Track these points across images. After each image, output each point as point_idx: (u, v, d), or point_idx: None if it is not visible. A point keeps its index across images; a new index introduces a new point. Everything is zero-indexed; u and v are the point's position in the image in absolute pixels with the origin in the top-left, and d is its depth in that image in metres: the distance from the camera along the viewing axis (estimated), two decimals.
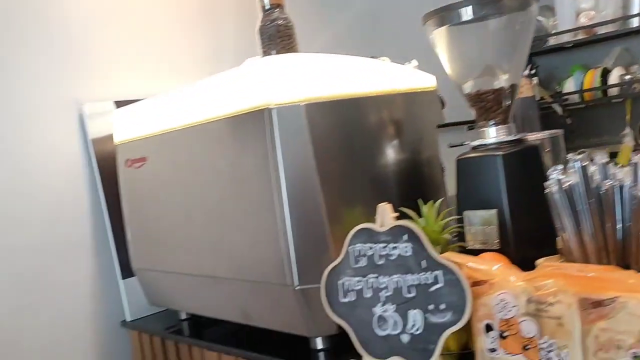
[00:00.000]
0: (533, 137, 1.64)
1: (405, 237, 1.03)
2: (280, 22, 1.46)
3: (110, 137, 1.77)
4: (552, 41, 3.20)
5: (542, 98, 3.11)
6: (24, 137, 1.69)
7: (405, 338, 1.04)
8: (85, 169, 1.79)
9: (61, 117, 1.76)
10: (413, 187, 1.35)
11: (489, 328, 0.97)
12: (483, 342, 0.98)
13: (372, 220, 1.08)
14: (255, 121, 1.22)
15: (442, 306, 0.99)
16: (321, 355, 1.28)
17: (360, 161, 1.27)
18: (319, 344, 1.29)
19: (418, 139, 1.39)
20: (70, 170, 1.77)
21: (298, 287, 1.21)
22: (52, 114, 1.74)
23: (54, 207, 1.73)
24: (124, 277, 1.80)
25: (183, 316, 1.71)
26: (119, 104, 1.80)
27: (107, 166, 1.79)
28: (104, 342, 1.81)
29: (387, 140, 1.33)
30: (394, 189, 1.32)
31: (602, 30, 3.03)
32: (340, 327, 1.21)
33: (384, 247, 1.06)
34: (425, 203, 1.23)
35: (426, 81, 1.55)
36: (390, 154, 1.33)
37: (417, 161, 1.39)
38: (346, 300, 1.12)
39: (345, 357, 1.22)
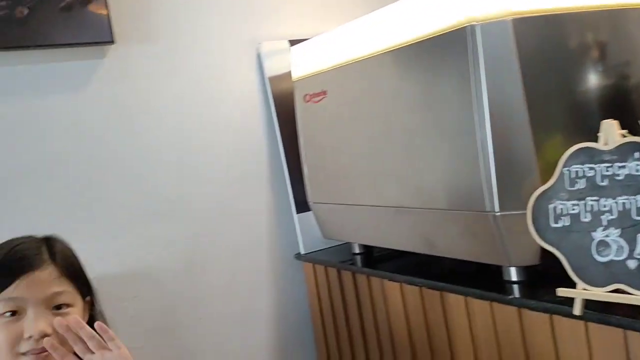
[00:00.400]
0: None
1: (637, 154, 0.94)
2: None
3: (285, 75, 1.82)
4: None
5: None
6: (211, 74, 1.78)
7: (632, 264, 0.96)
8: (263, 106, 1.86)
9: (241, 56, 1.83)
10: (626, 109, 1.24)
11: None
12: None
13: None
14: (455, 40, 1.17)
15: None
16: (515, 287, 1.24)
17: (568, 82, 1.19)
18: (514, 275, 1.25)
19: (630, 59, 1.27)
20: (249, 108, 1.85)
21: (499, 214, 1.17)
22: (233, 53, 1.82)
23: (235, 142, 1.82)
24: (298, 212, 1.86)
25: (356, 250, 1.74)
26: (293, 42, 1.83)
27: (282, 104, 1.84)
28: (279, 272, 1.89)
29: (596, 59, 1.23)
30: (606, 111, 1.22)
31: None
32: (541, 257, 1.16)
33: (609, 167, 0.98)
34: None
35: None
36: (599, 74, 1.23)
37: (630, 83, 1.27)
38: (558, 225, 1.06)
39: (542, 289, 1.18)
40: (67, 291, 0.94)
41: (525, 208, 1.11)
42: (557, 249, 1.06)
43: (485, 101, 1.14)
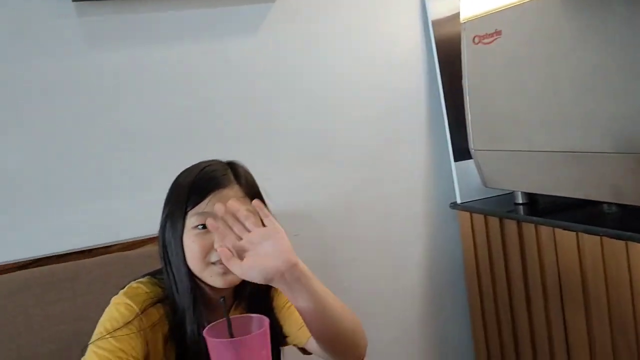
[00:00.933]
0: None
1: None
2: None
3: (449, 19, 1.77)
4: None
5: None
6: (372, 17, 1.78)
7: None
8: (424, 52, 1.83)
9: (403, 1, 1.80)
10: None
11: None
12: None
13: None
14: None
15: None
16: None
17: None
18: None
19: None
20: (409, 52, 1.82)
21: None
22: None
23: (393, 88, 1.81)
24: (456, 160, 1.83)
25: (519, 199, 1.69)
26: None
27: (445, 48, 1.80)
28: (433, 220, 1.88)
29: None
30: None
31: None
32: None
33: None
34: None
35: None
36: None
37: None
38: None
39: None
40: (250, 210, 0.97)
41: None
42: None
43: None
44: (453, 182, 1.84)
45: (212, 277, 0.98)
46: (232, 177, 1.00)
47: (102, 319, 1.01)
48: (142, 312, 0.99)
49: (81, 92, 1.48)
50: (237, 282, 1.00)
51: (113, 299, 1.03)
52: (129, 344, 0.96)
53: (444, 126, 1.83)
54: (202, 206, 0.97)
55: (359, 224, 1.80)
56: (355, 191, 1.79)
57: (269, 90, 1.68)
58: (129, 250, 1.48)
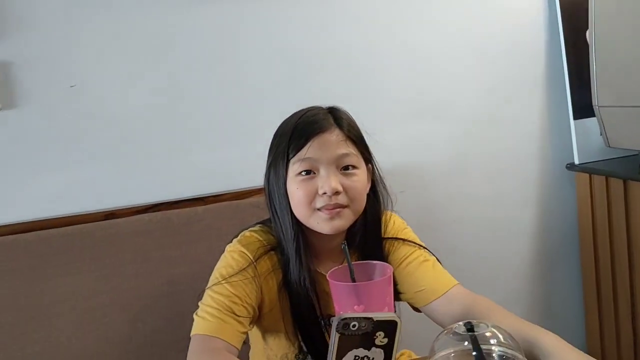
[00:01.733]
0: None
1: None
2: None
3: None
4: None
5: None
6: None
7: None
8: (545, 1, 1.71)
9: None
10: None
11: None
12: None
13: None
14: None
15: None
16: None
17: None
18: None
19: None
20: (529, 3, 1.71)
21: None
22: None
23: (511, 42, 1.72)
24: (575, 118, 1.71)
25: None
26: None
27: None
28: (547, 182, 1.79)
29: None
30: None
31: None
32: None
33: None
34: None
35: None
36: None
37: None
38: None
39: None
40: (352, 153, 0.97)
41: None
42: None
43: None
44: (571, 141, 1.73)
45: (318, 224, 0.97)
46: (332, 120, 0.98)
47: (217, 266, 1.04)
48: (255, 260, 1.00)
49: (199, 44, 1.50)
50: (344, 228, 0.98)
51: (228, 246, 1.05)
52: (243, 290, 0.98)
53: (564, 82, 1.71)
54: (304, 152, 0.95)
55: (467, 183, 1.74)
56: (464, 149, 1.72)
57: (377, 44, 1.63)
58: (240, 199, 1.51)
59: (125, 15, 1.45)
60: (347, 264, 0.86)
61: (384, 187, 1.08)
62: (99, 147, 1.46)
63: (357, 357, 0.72)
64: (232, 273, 0.99)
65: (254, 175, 1.48)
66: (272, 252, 1.03)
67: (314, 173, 0.96)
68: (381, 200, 1.07)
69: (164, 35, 1.48)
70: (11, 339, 1.34)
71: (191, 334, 0.97)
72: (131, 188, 1.48)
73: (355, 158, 0.98)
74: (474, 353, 0.69)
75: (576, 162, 1.73)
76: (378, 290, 0.82)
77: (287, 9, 1.56)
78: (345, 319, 0.69)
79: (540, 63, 1.73)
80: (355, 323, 0.69)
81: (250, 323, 1.01)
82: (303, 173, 0.96)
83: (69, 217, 1.43)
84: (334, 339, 0.70)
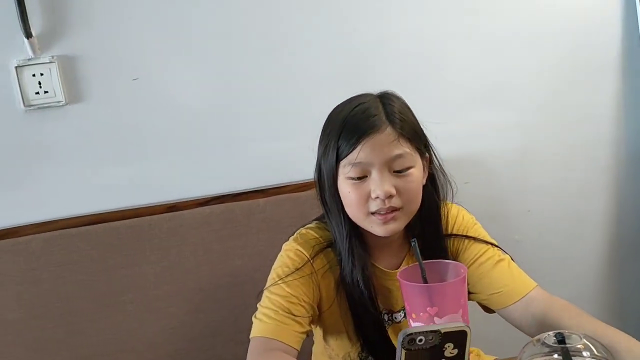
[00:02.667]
0: None
1: None
2: None
3: None
4: None
5: None
6: None
7: None
8: None
9: None
10: None
11: None
12: None
13: None
14: None
15: None
16: None
17: None
18: None
19: None
20: None
21: None
22: None
23: (583, 23, 1.62)
24: None
25: None
26: None
27: None
28: (620, 171, 1.70)
29: None
30: None
31: None
32: None
33: None
34: None
35: None
36: None
37: None
38: None
39: None
40: (406, 153, 0.92)
41: None
42: None
43: None
44: None
45: (372, 227, 0.95)
46: (384, 116, 0.92)
47: (274, 266, 1.03)
48: (312, 258, 0.99)
49: (257, 35, 1.49)
50: (399, 230, 0.96)
51: (284, 245, 1.05)
52: (300, 289, 0.97)
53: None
54: (355, 155, 0.91)
55: (534, 173, 1.66)
56: (532, 137, 1.65)
57: (440, 27, 1.57)
58: (300, 191, 1.49)
59: (185, 9, 1.44)
60: (416, 263, 0.83)
61: (444, 175, 1.03)
62: (161, 140, 1.47)
63: None
64: (288, 272, 0.98)
65: (313, 167, 1.48)
66: (329, 249, 1.01)
67: (366, 176, 0.92)
68: (441, 191, 1.03)
69: (222, 27, 1.47)
70: (88, 324, 1.39)
71: (250, 337, 0.97)
72: (193, 180, 1.49)
73: (410, 157, 0.93)
74: None
75: None
76: (452, 291, 0.78)
77: None
78: (411, 334, 0.66)
79: (615, 44, 1.63)
80: (422, 337, 0.66)
81: (311, 322, 0.99)
82: (354, 178, 0.92)
83: (133, 209, 1.45)
84: (400, 356, 0.67)
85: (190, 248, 1.44)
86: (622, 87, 1.65)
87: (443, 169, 1.02)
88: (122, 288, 1.41)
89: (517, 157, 1.64)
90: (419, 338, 0.65)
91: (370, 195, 0.91)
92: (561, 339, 0.68)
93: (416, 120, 0.98)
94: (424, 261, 0.83)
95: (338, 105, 0.99)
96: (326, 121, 0.99)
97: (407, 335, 0.65)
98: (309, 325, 0.99)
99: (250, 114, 1.50)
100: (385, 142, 0.90)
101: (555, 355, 0.66)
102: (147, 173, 1.47)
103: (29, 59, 1.40)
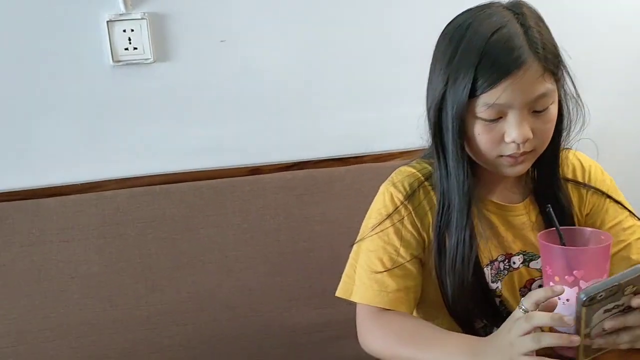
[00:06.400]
0: None
1: None
2: None
3: None
4: None
5: None
6: None
7: None
8: None
9: None
10: None
11: None
12: None
13: None
14: None
15: None
16: None
17: None
18: None
19: None
20: None
21: None
22: None
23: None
24: None
25: None
26: None
27: None
28: None
29: None
30: None
31: None
32: None
33: None
34: None
35: None
36: None
37: None
38: None
39: None
40: (549, 90, 0.81)
41: None
42: None
43: None
44: None
45: (497, 168, 0.86)
46: (527, 48, 0.79)
47: (369, 212, 0.98)
48: (407, 199, 0.91)
49: (346, 1, 1.48)
50: (525, 170, 0.87)
51: (381, 186, 0.98)
52: (395, 235, 0.90)
53: None
54: (493, 96, 0.79)
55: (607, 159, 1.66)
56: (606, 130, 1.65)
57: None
58: (380, 162, 1.50)
59: None
60: (554, 228, 0.83)
61: (578, 100, 0.88)
62: (245, 103, 1.48)
63: (606, 311, 0.70)
64: (380, 219, 0.91)
65: (395, 138, 1.48)
66: (428, 186, 0.92)
67: (501, 117, 0.82)
68: (565, 122, 0.89)
69: None
70: (168, 281, 1.40)
71: (357, 301, 0.93)
72: (276, 145, 1.49)
73: (552, 93, 0.82)
74: None
75: None
76: (598, 256, 0.79)
77: None
78: (591, 295, 0.67)
79: None
80: (602, 293, 0.67)
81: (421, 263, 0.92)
82: (488, 120, 0.82)
83: (216, 170, 1.46)
84: (580, 315, 0.68)
85: (270, 212, 1.45)
86: None
87: (578, 93, 0.89)
88: (202, 248, 1.42)
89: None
90: (599, 294, 0.67)
91: (503, 138, 0.82)
92: None
93: (553, 39, 0.85)
94: (561, 227, 0.84)
95: (462, 21, 0.85)
96: (448, 41, 0.86)
97: (588, 296, 0.66)
98: (418, 268, 0.91)
99: (335, 83, 1.50)
100: (530, 81, 0.79)
101: None
102: (231, 135, 1.47)
103: (121, 14, 1.40)
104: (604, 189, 0.96)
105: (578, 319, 0.70)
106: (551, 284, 0.80)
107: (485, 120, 0.82)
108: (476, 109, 0.81)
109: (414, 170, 0.96)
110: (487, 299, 0.92)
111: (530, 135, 0.82)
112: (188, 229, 1.42)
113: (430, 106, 0.88)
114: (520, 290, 0.96)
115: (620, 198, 0.96)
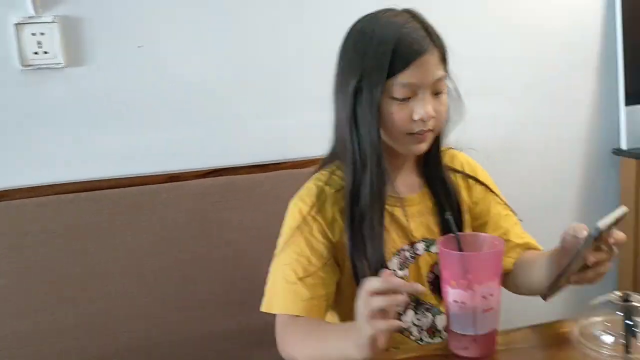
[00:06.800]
0: None
1: None
2: None
3: None
4: None
5: None
6: None
7: None
8: None
9: None
10: None
11: None
12: None
13: None
14: None
15: None
16: None
17: None
18: None
19: None
20: None
21: None
22: None
23: (564, 25, 1.73)
24: (627, 104, 1.74)
25: None
26: None
27: None
28: (592, 165, 1.82)
29: None
30: None
31: None
32: None
33: None
34: None
35: None
36: None
37: None
38: None
39: None
40: (444, 76, 0.95)
41: None
42: None
43: None
44: (621, 126, 1.75)
45: (404, 146, 0.96)
46: (429, 39, 0.93)
47: (282, 229, 1.02)
48: (314, 210, 0.97)
49: (266, 9, 1.49)
50: (427, 148, 0.97)
51: (290, 203, 1.03)
52: (306, 246, 0.96)
53: (617, 67, 1.73)
54: (406, 77, 0.91)
55: (515, 161, 1.76)
56: (513, 127, 1.74)
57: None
58: (299, 168, 1.52)
59: None
60: (452, 234, 0.87)
61: (458, 94, 1.01)
62: (163, 109, 1.46)
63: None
64: (290, 234, 0.98)
65: (314, 144, 1.50)
66: (332, 191, 1.00)
67: (409, 97, 0.92)
68: (448, 114, 1.00)
69: (229, 2, 1.47)
70: (79, 292, 1.37)
71: (276, 312, 0.97)
72: (194, 152, 1.49)
73: (445, 80, 0.96)
74: (626, 322, 0.70)
75: (623, 147, 1.75)
76: (490, 261, 0.84)
77: None
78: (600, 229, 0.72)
79: (596, 46, 1.74)
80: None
81: (337, 275, 0.99)
82: (399, 98, 0.92)
83: (132, 177, 1.44)
84: (582, 250, 0.72)
85: (187, 218, 1.43)
86: (599, 87, 1.77)
87: (457, 89, 1.01)
88: (116, 257, 1.39)
89: (501, 146, 1.73)
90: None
91: (412, 117, 0.92)
92: (626, 298, 0.74)
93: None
94: (460, 233, 0.88)
95: (365, 24, 0.96)
96: (355, 41, 0.96)
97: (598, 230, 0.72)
98: (334, 278, 0.97)
99: (254, 90, 1.51)
100: (433, 64, 0.92)
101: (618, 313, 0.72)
102: (148, 141, 1.46)
103: (30, 17, 1.35)
104: (487, 183, 1.10)
105: (578, 255, 0.73)
106: (448, 288, 0.84)
107: (399, 99, 0.92)
108: (392, 88, 0.92)
109: (319, 183, 1.02)
110: None
111: (434, 113, 0.93)
112: (102, 238, 1.38)
113: (344, 103, 0.96)
114: (427, 276, 1.03)
115: (497, 191, 1.11)
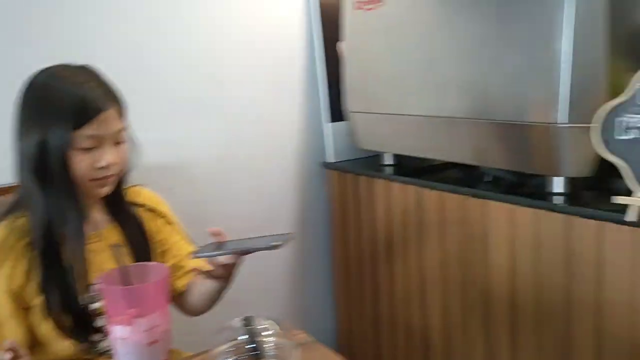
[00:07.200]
0: None
1: None
2: None
3: None
4: None
5: None
6: None
7: None
8: (304, 12, 1.84)
9: None
10: None
11: None
12: None
13: None
14: None
15: None
16: (559, 198, 1.32)
17: None
18: (559, 186, 1.32)
19: None
20: (293, 14, 1.83)
21: (566, 125, 1.23)
22: None
23: (273, 50, 1.82)
24: (331, 121, 1.88)
25: (387, 161, 1.79)
26: None
27: (328, 11, 1.83)
28: (304, 179, 1.94)
29: None
30: None
31: None
32: (596, 169, 1.24)
33: None
34: None
35: None
36: None
37: None
38: (625, 137, 1.13)
39: (585, 202, 1.27)
40: (124, 127, 1.07)
41: (588, 122, 1.18)
42: (622, 159, 1.14)
43: (568, 10, 1.18)
44: (326, 142, 1.90)
45: (92, 190, 1.07)
46: (108, 95, 1.05)
47: None
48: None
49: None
50: (110, 191, 1.09)
51: None
52: None
53: (319, 88, 1.88)
54: (90, 130, 1.01)
55: (232, 180, 1.79)
56: (229, 147, 1.78)
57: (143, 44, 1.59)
58: None
59: None
60: (118, 268, 0.83)
61: (134, 142, 1.13)
62: None
63: None
64: None
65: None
66: (19, 234, 1.04)
67: (95, 147, 1.03)
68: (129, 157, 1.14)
69: None
70: None
71: None
72: None
73: (125, 131, 1.08)
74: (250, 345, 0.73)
75: (329, 160, 1.90)
76: (154, 291, 0.81)
77: None
78: None
79: (300, 69, 1.87)
80: None
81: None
82: (86, 148, 1.02)
83: None
84: None
85: None
86: (304, 103, 1.89)
87: (133, 137, 1.13)
88: None
89: (216, 165, 1.75)
90: None
91: (95, 165, 1.03)
92: (247, 322, 0.77)
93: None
94: (127, 265, 0.83)
95: (43, 80, 1.04)
96: (35, 99, 1.03)
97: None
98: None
99: None
100: (113, 118, 1.04)
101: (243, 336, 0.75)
102: None
103: None
104: (167, 216, 1.25)
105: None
106: (112, 324, 0.79)
107: (84, 149, 1.02)
108: (78, 140, 1.01)
109: (7, 230, 1.05)
110: (85, 319, 1.03)
111: (117, 160, 1.06)
112: None
113: (29, 156, 1.03)
114: None
115: (176, 222, 1.27)
